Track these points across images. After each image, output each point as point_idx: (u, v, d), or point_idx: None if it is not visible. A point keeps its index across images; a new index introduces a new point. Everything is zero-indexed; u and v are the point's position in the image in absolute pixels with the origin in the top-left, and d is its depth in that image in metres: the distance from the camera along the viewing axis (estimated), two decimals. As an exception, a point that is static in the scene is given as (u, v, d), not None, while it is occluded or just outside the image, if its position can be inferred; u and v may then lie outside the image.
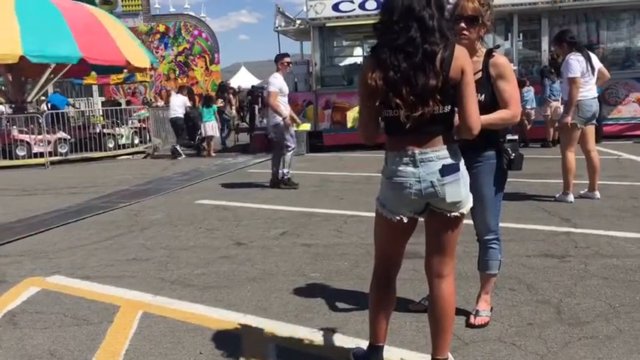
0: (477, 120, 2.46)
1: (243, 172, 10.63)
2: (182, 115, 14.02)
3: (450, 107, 2.44)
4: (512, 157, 3.19)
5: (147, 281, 4.39)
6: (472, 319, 3.29)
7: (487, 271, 3.37)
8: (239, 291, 4.07)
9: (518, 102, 3.12)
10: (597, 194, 6.45)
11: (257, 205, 7.18)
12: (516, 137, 3.38)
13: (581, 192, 6.54)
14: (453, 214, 2.49)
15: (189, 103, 14.38)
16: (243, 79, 38.72)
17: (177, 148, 13.83)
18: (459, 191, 2.48)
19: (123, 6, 30.78)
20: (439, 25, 2.38)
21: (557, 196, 6.52)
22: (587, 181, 6.58)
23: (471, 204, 2.55)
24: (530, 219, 5.70)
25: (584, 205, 6.21)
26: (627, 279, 3.90)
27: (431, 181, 2.43)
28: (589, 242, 4.80)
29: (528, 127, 11.85)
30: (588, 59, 6.26)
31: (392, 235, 2.62)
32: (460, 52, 2.40)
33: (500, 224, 3.34)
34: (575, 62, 6.23)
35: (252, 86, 25.86)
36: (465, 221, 3.36)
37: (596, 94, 6.36)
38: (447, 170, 2.43)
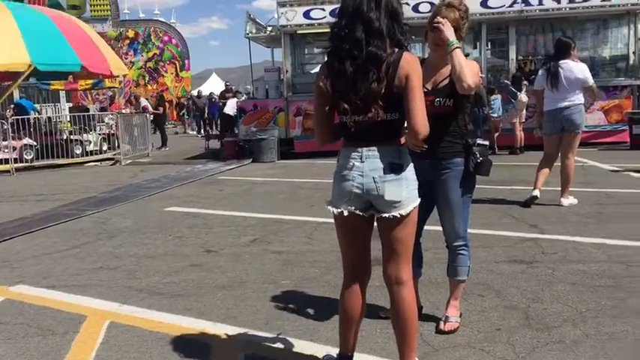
0: (424, 124, 2.47)
1: (213, 178, 10.55)
2: (232, 114, 15.88)
3: (398, 114, 2.48)
4: (479, 161, 3.22)
5: (114, 290, 4.31)
6: (442, 325, 3.31)
7: (456, 277, 3.39)
8: (209, 299, 4.03)
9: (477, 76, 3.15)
10: (563, 201, 6.54)
11: (227, 212, 7.13)
12: (487, 143, 3.41)
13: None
14: (392, 214, 2.51)
15: (238, 104, 15.86)
16: (214, 86, 38.50)
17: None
18: (400, 191, 2.51)
19: (91, 11, 30.43)
20: (388, 30, 2.43)
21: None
22: (559, 188, 6.67)
23: (411, 207, 2.55)
24: (499, 225, 5.78)
25: (551, 211, 6.32)
26: (593, 284, 3.97)
27: (373, 177, 2.49)
28: (556, 248, 4.88)
29: (496, 134, 12.03)
30: (550, 74, 6.45)
31: (345, 233, 2.66)
32: (406, 61, 2.43)
33: (469, 230, 3.37)
34: (538, 76, 6.70)
35: (214, 92, 25.96)
36: (433, 227, 3.42)
37: (560, 106, 6.40)
38: (389, 168, 2.49)
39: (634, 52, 12.55)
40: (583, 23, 13.16)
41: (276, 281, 4.38)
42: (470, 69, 3.05)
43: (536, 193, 6.54)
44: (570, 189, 6.68)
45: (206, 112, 24.17)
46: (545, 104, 6.57)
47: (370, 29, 2.41)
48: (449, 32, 3.03)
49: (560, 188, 6.66)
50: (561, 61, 6.46)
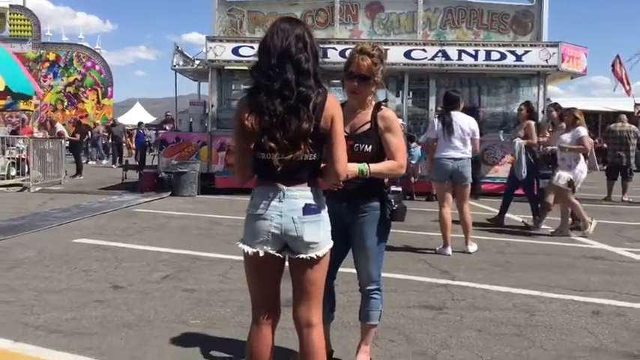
0: (344, 166, 2.56)
1: (128, 210, 10.17)
2: None
3: (318, 155, 2.52)
4: (395, 208, 3.28)
5: (7, 326, 4.01)
6: (351, 371, 3.29)
7: (368, 322, 3.39)
8: (112, 338, 3.82)
9: (404, 154, 3.24)
10: (469, 248, 6.77)
11: (140, 246, 6.87)
12: (400, 189, 3.49)
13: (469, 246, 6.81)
14: (309, 255, 2.52)
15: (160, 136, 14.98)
16: (138, 116, 37.66)
17: None
18: (318, 233, 2.53)
19: (10, 30, 29.22)
20: (314, 71, 2.48)
21: (437, 249, 6.79)
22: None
23: (327, 249, 2.59)
24: (412, 270, 5.88)
25: (463, 258, 6.51)
26: (498, 332, 4.09)
27: (292, 217, 2.48)
28: (465, 295, 5.01)
29: (414, 180, 12.37)
30: (444, 123, 6.68)
31: (257, 274, 2.61)
32: (331, 102, 2.50)
33: (383, 274, 3.40)
34: (431, 125, 6.96)
35: (140, 123, 25.27)
36: (349, 270, 3.42)
37: (453, 155, 6.63)
38: (308, 209, 2.51)
39: (542, 111, 13.37)
40: (497, 80, 13.92)
41: (185, 321, 4.22)
42: (399, 149, 3.16)
43: (449, 251, 6.68)
44: (482, 237, 6.92)
45: (133, 141, 23.60)
46: (437, 151, 6.76)
47: (300, 70, 2.44)
48: (351, 171, 2.84)
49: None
50: (454, 112, 6.76)
